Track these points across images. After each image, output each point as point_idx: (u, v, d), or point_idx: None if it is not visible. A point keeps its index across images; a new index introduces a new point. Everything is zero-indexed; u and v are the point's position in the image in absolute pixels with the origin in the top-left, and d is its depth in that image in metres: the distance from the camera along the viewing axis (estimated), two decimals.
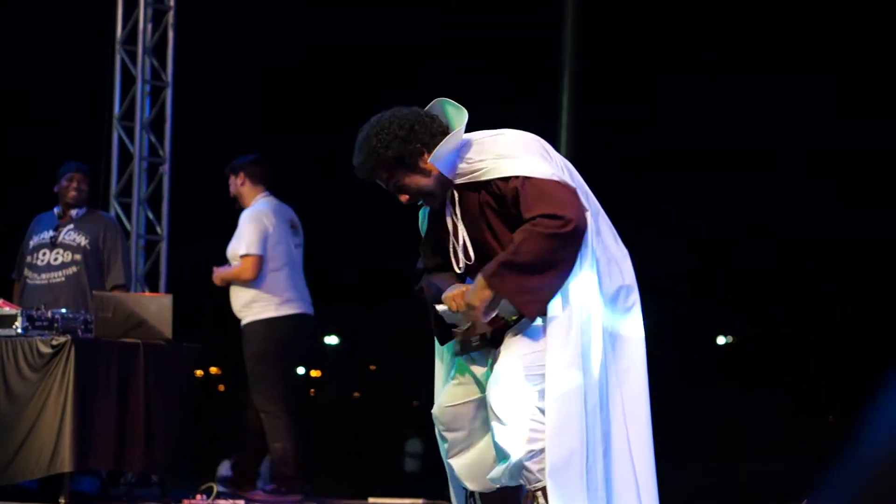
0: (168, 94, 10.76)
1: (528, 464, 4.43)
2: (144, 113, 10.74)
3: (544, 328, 4.44)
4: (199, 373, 8.76)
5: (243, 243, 8.33)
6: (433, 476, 5.21)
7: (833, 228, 23.18)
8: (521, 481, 4.48)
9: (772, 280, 25.99)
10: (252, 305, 8.34)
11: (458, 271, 4.58)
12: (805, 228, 23.71)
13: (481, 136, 4.59)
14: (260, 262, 8.30)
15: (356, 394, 36.26)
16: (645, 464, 4.56)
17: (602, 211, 4.66)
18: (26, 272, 8.34)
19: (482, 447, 4.65)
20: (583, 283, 4.41)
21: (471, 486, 4.69)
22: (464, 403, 4.67)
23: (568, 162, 4.66)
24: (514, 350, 4.50)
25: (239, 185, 8.56)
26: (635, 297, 4.62)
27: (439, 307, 4.51)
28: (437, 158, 4.51)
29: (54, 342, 7.49)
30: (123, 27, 10.75)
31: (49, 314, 7.67)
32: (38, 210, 8.59)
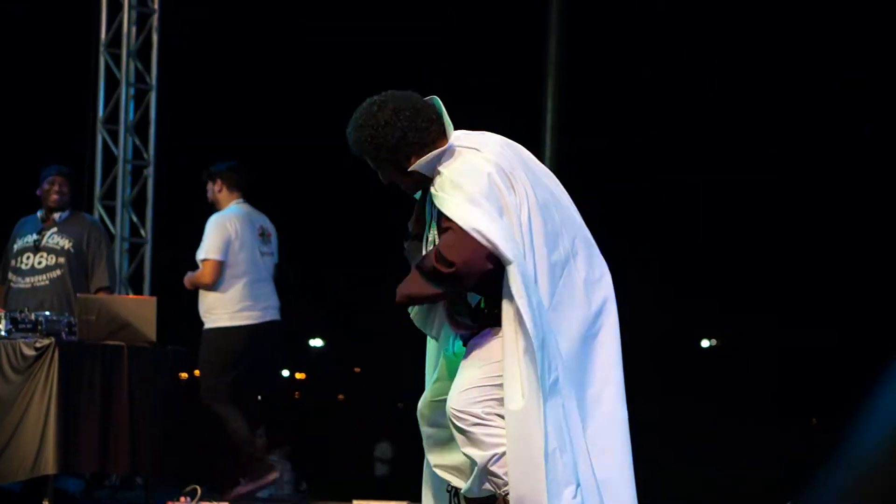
0: (152, 98, 10.77)
1: (492, 468, 4.50)
2: (129, 116, 10.74)
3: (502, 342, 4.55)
4: (183, 375, 8.76)
5: (203, 247, 8.37)
6: (411, 477, 5.22)
7: (829, 228, 23.22)
8: (491, 487, 4.52)
9: (761, 282, 26.04)
10: (211, 312, 8.38)
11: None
12: (802, 228, 23.75)
13: (459, 146, 4.64)
14: (219, 268, 8.30)
15: (340, 396, 36.27)
16: (623, 467, 4.61)
17: (581, 230, 4.70)
18: (10, 276, 8.34)
19: None
20: (536, 308, 4.50)
21: (457, 485, 4.72)
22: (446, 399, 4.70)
23: (542, 175, 4.69)
24: (472, 361, 4.62)
25: (216, 191, 8.55)
26: (605, 318, 4.67)
27: None
28: (421, 166, 4.61)
29: (38, 344, 7.48)
30: (108, 30, 10.75)
31: (33, 317, 7.66)
32: (22, 213, 8.57)
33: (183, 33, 11.74)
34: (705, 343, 34.14)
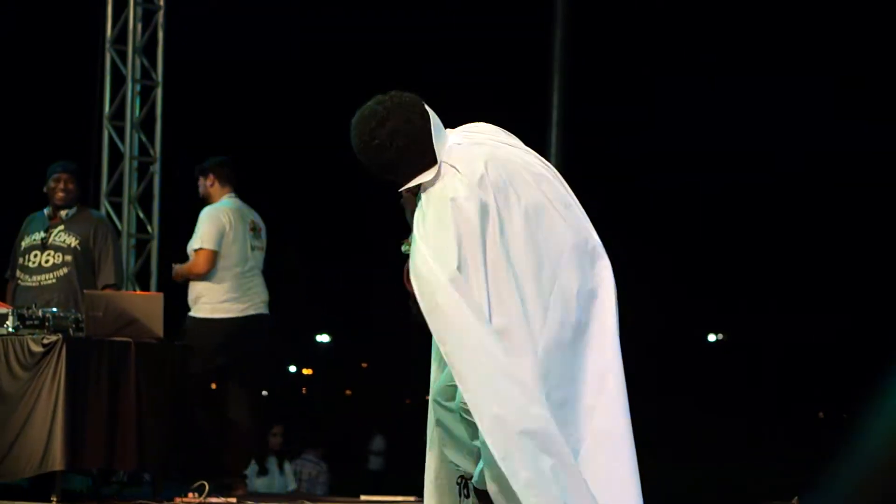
0: (158, 94, 10.77)
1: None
2: (134, 112, 10.74)
3: None
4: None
5: (198, 238, 8.46)
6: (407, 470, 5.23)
7: (831, 227, 23.22)
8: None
9: (764, 278, 26.03)
10: (197, 301, 8.48)
11: None
12: (803, 226, 23.76)
13: (447, 163, 4.64)
14: (213, 257, 8.40)
15: (348, 391, 36.29)
16: (626, 462, 4.61)
17: (579, 233, 4.70)
18: (18, 273, 8.34)
19: None
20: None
21: (468, 468, 4.73)
22: None
23: (538, 179, 4.68)
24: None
25: (208, 186, 8.66)
26: (600, 326, 4.66)
27: None
28: (410, 187, 4.67)
29: (45, 341, 7.49)
30: (113, 26, 10.76)
31: (40, 313, 7.67)
32: (29, 209, 8.59)
33: (189, 29, 11.75)
34: (712, 337, 34.14)
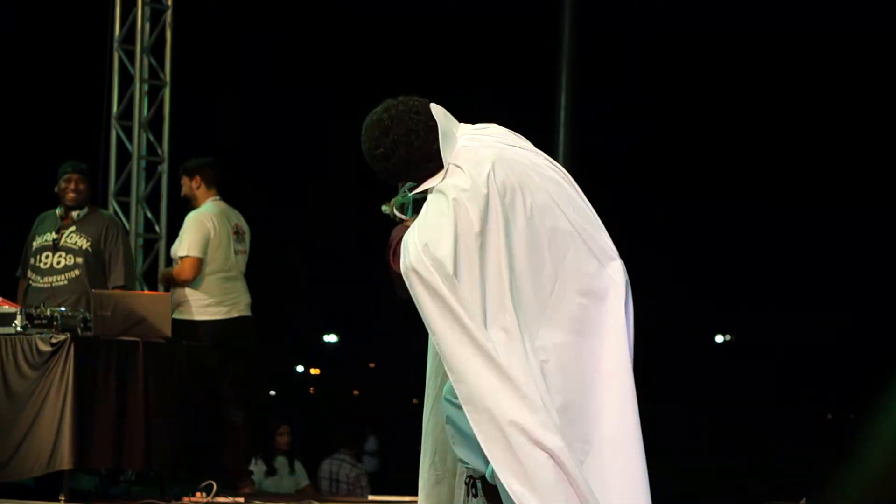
0: (166, 93, 10.78)
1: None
2: (142, 112, 10.75)
3: None
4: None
5: (184, 245, 8.61)
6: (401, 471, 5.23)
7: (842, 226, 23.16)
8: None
9: (772, 277, 26.01)
10: (179, 305, 8.59)
11: None
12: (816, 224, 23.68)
13: (454, 164, 4.66)
14: (199, 265, 8.57)
15: (355, 392, 36.29)
16: (635, 463, 4.60)
17: (588, 234, 4.69)
18: (30, 273, 8.35)
19: None
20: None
21: (478, 467, 4.73)
22: None
23: (545, 180, 4.68)
24: None
25: (194, 188, 8.82)
26: (609, 336, 4.66)
27: None
28: (417, 190, 4.73)
29: (53, 340, 7.50)
30: (121, 26, 10.77)
31: (48, 312, 7.68)
32: (37, 209, 8.59)
33: (197, 29, 11.76)
34: (719, 338, 34.12)
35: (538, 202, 4.63)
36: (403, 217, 4.84)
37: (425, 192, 4.68)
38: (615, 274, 4.71)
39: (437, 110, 4.72)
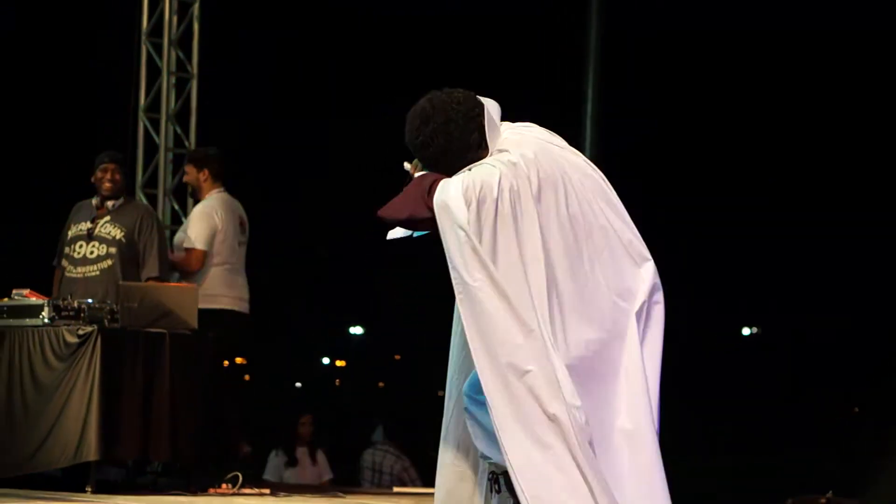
0: (193, 86, 10.80)
1: None
2: (170, 104, 10.78)
3: None
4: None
5: (192, 236, 8.71)
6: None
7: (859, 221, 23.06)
8: None
9: (771, 277, 25.96)
10: None
11: None
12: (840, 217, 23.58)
13: (500, 146, 4.70)
14: (204, 257, 8.66)
15: (381, 384, 36.32)
16: (651, 460, 4.61)
17: (619, 234, 4.72)
18: (64, 263, 8.35)
19: None
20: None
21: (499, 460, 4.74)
22: None
23: (581, 178, 4.71)
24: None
25: (201, 179, 8.92)
26: (632, 327, 4.67)
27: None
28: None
29: (80, 332, 7.54)
30: (149, 19, 10.80)
31: (75, 304, 7.70)
32: (68, 200, 8.62)
33: (224, 21, 11.78)
34: (746, 331, 34.04)
35: (579, 196, 4.69)
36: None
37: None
38: (647, 274, 4.74)
39: (488, 103, 4.77)
